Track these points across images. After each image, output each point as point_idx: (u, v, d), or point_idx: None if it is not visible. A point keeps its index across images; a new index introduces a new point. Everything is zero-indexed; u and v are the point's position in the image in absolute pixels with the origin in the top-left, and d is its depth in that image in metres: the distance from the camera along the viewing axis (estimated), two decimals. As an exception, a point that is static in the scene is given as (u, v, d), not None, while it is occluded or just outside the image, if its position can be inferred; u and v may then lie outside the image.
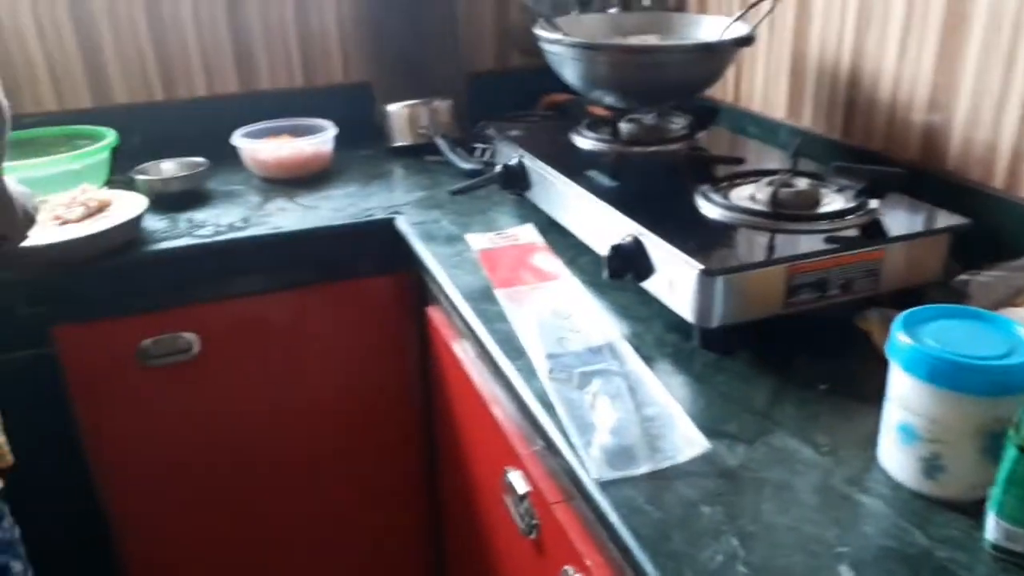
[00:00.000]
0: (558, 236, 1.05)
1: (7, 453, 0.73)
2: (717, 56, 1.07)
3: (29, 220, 0.87)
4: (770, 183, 0.89)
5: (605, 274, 0.84)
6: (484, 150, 1.43)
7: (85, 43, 1.40)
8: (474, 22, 1.65)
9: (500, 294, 0.91)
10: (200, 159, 1.28)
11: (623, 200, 0.90)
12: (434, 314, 1.09)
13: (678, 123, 1.18)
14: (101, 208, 1.09)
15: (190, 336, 1.12)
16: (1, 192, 0.80)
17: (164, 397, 1.14)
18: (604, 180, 0.98)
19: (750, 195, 0.90)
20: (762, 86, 1.30)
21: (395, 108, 1.44)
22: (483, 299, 0.91)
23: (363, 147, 1.48)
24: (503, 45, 1.69)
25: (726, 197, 0.90)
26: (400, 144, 1.45)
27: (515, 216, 1.16)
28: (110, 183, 1.27)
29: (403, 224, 1.15)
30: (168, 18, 1.43)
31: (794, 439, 0.67)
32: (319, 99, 1.55)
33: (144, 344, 1.10)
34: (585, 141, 1.14)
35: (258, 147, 1.31)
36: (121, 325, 1.09)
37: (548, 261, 0.99)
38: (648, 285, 0.84)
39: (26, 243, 0.98)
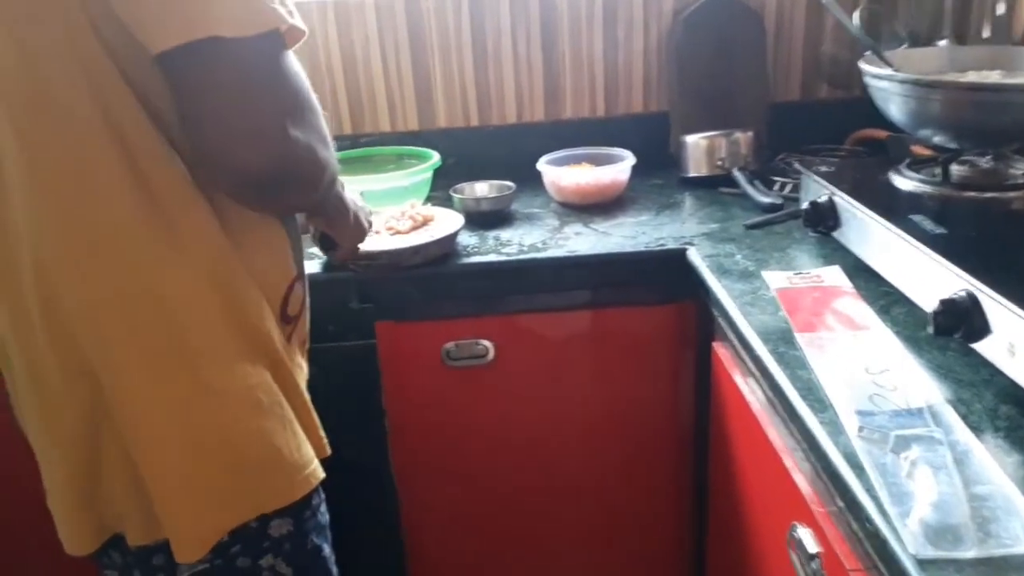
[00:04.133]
0: (868, 281, 0.98)
1: (326, 445, 0.83)
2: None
3: (360, 231, 0.96)
4: None
5: (930, 329, 0.77)
6: (784, 184, 1.38)
7: (419, 75, 1.57)
8: (783, 52, 1.60)
9: (802, 339, 0.87)
10: (508, 182, 1.39)
11: (954, 250, 0.82)
12: (720, 350, 1.07)
13: (1021, 168, 1.05)
14: (426, 222, 1.21)
15: (487, 343, 1.21)
16: (339, 203, 0.88)
17: (459, 395, 1.24)
18: (930, 226, 0.90)
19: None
20: None
21: (693, 139, 1.44)
22: (781, 341, 0.88)
23: (656, 176, 1.51)
24: (811, 76, 1.63)
25: (1087, 257, 0.78)
26: (694, 175, 1.45)
27: (816, 256, 1.10)
28: (430, 199, 1.42)
29: (694, 256, 1.15)
30: (491, 54, 1.57)
31: None
32: (617, 128, 1.60)
33: (448, 346, 1.21)
34: (906, 182, 1.05)
35: (560, 174, 1.38)
36: (430, 327, 1.20)
37: (857, 308, 0.93)
38: (981, 347, 0.75)
39: (364, 247, 1.13)
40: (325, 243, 1.04)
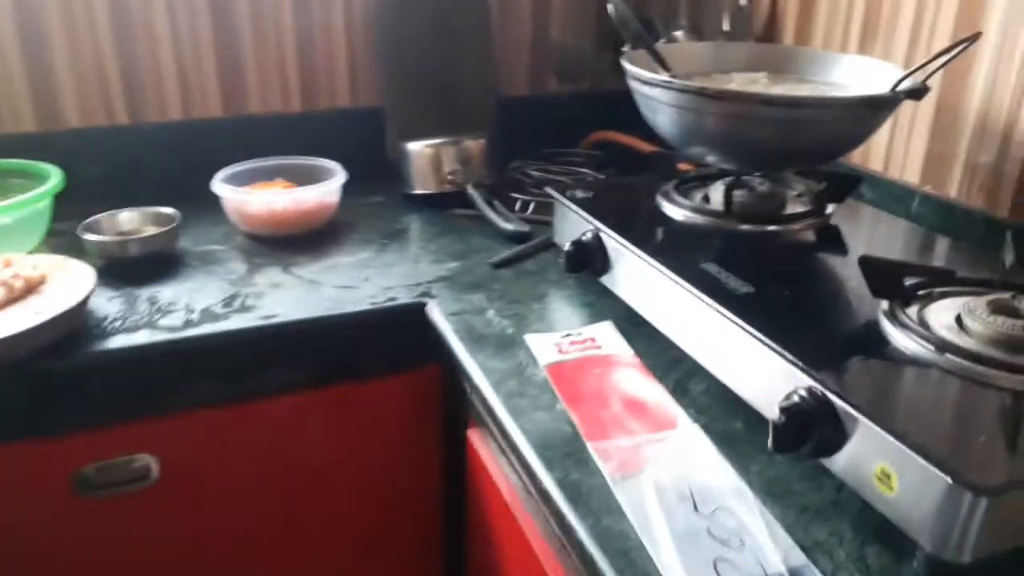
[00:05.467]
0: (650, 342, 0.78)
1: None
2: (879, 113, 0.80)
3: None
4: (995, 308, 0.62)
5: (770, 444, 0.57)
6: (527, 203, 1.15)
7: (31, 45, 1.10)
8: (509, 37, 1.37)
9: (599, 457, 0.63)
10: (170, 210, 0.99)
11: (769, 320, 0.63)
12: (477, 442, 0.81)
13: (797, 189, 0.91)
14: (32, 288, 0.79)
15: (148, 458, 0.83)
16: None
17: (107, 535, 0.85)
18: (732, 280, 0.71)
19: (957, 317, 0.64)
20: (886, 142, 1.04)
21: (416, 147, 1.16)
22: (571, 460, 0.63)
23: (374, 190, 1.20)
24: (539, 66, 1.42)
25: (925, 326, 0.63)
26: (421, 191, 1.17)
27: (581, 306, 0.88)
28: (51, 237, 0.98)
29: (436, 315, 0.87)
30: (138, 21, 1.14)
31: None
32: (320, 126, 1.27)
33: (85, 471, 0.81)
34: (678, 211, 0.87)
35: (246, 199, 1.02)
36: (51, 447, 0.79)
37: (650, 390, 0.71)
38: (837, 467, 0.56)
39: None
40: None
